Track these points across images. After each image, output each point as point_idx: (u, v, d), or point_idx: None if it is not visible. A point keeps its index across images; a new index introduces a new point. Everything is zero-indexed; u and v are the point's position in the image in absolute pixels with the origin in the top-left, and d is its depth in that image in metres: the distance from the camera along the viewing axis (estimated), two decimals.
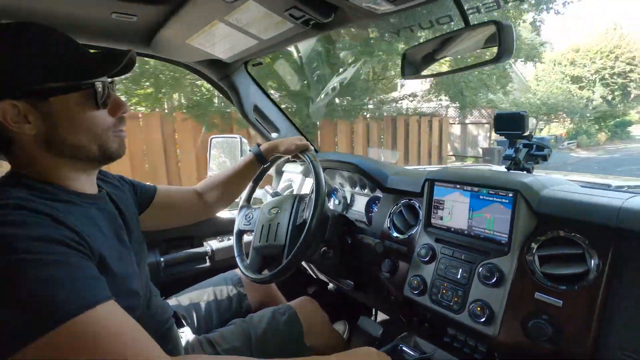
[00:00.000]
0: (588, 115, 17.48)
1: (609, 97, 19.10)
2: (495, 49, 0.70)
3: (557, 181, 0.89)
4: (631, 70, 18.90)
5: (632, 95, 19.41)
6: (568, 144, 16.40)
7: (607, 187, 1.06)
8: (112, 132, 0.65)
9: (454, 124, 12.06)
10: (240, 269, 1.13)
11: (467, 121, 11.98)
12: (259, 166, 1.11)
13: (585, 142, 16.64)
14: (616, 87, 18.95)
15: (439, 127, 9.18)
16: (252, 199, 1.26)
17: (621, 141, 18.32)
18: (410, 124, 8.27)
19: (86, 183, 0.67)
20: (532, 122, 16.16)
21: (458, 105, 9.84)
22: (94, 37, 1.05)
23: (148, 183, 0.97)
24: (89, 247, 0.55)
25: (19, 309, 0.45)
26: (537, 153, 1.00)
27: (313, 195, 0.99)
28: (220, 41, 1.03)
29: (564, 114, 16.70)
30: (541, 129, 17.93)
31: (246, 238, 1.26)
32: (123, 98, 0.72)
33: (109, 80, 0.64)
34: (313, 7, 0.79)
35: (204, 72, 1.37)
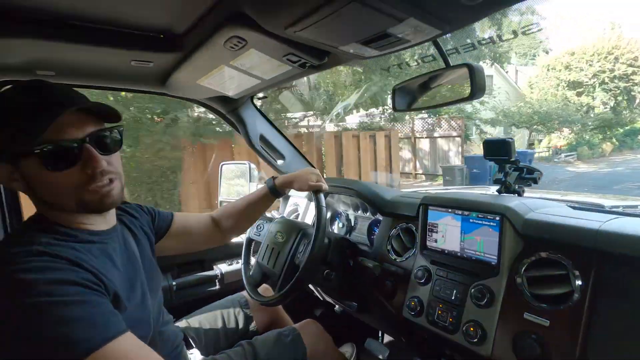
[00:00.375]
0: (590, 124, 16.08)
1: (612, 103, 16.99)
2: None
3: (545, 204, 0.93)
4: (634, 73, 16.53)
5: (637, 100, 17.20)
6: (566, 156, 14.96)
7: (600, 207, 1.09)
8: (84, 189, 0.63)
9: (422, 138, 11.02)
10: (246, 289, 1.20)
11: (435, 134, 10.82)
12: (273, 199, 1.14)
13: (587, 153, 15.21)
14: (618, 91, 16.77)
15: (387, 142, 8.29)
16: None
17: (631, 151, 16.45)
18: (346, 138, 7.26)
19: (102, 222, 0.71)
20: (524, 133, 15.34)
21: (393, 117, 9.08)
22: (115, 81, 1.17)
23: (164, 211, 1.03)
24: (105, 285, 0.60)
25: (41, 348, 0.50)
26: (527, 176, 1.04)
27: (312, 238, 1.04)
28: (227, 81, 1.14)
29: (561, 123, 15.32)
30: (540, 140, 17.15)
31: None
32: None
33: (82, 136, 0.62)
34: (308, 53, 0.88)
35: (214, 107, 1.48)
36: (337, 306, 1.58)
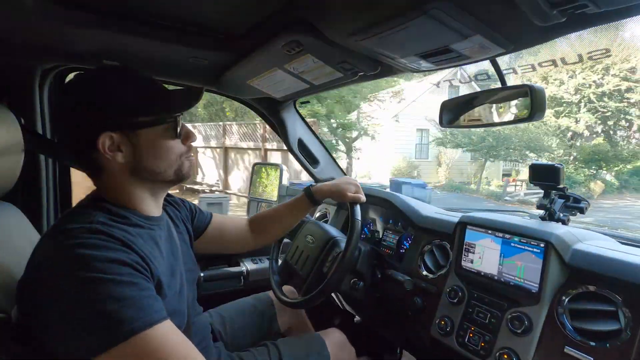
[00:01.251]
0: (576, 155, 12.40)
1: (600, 129, 12.43)
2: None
3: (593, 235, 0.90)
4: (630, 90, 10.86)
5: (634, 127, 12.21)
6: (526, 195, 11.18)
7: None
8: (185, 157, 0.74)
9: (273, 150, 8.66)
10: (272, 288, 1.21)
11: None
12: (310, 207, 1.12)
13: None
14: (609, 113, 11.64)
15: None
16: None
17: (629, 194, 12.29)
18: None
19: (154, 207, 0.75)
20: (469, 158, 13.88)
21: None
22: (172, 75, 1.24)
23: (204, 210, 1.06)
24: (150, 270, 0.63)
25: (90, 322, 0.52)
26: (574, 205, 1.01)
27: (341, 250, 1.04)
28: (276, 84, 1.17)
29: (522, 150, 12.21)
30: (509, 174, 13.83)
31: None
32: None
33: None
34: (363, 62, 0.89)
35: (258, 107, 1.53)
36: (357, 317, 1.57)
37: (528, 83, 0.74)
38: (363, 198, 1.08)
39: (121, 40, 0.97)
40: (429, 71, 0.86)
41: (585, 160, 12.34)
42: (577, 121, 12.32)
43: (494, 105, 0.83)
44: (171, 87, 0.78)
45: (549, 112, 11.96)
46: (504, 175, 14.33)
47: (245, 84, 1.21)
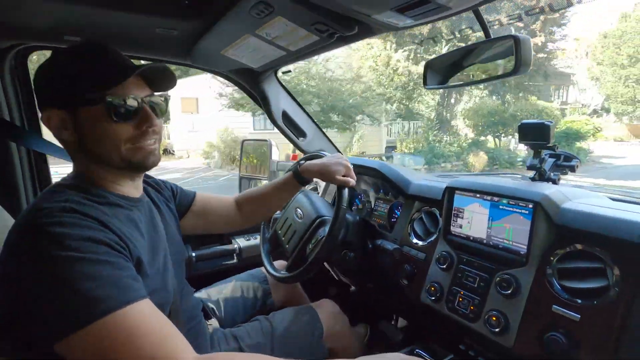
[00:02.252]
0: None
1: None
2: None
3: (584, 193, 0.87)
4: None
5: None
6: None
7: None
8: (132, 144, 0.67)
9: None
10: (263, 261, 1.20)
11: None
12: (299, 187, 1.08)
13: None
14: None
15: None
16: None
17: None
18: None
19: (131, 188, 0.73)
20: None
21: None
22: (141, 50, 1.16)
23: (187, 189, 1.03)
24: (129, 250, 0.61)
25: (64, 301, 0.50)
26: (565, 164, 0.98)
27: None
28: (252, 52, 1.11)
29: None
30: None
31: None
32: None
33: (142, 96, 0.67)
34: (337, 21, 0.83)
35: (237, 80, 1.46)
36: (352, 287, 1.58)
37: (513, 34, 0.68)
38: (352, 182, 1.01)
39: (81, 13, 0.91)
40: (408, 28, 0.79)
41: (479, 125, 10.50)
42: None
43: (480, 59, 0.78)
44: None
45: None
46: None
47: (219, 54, 1.15)
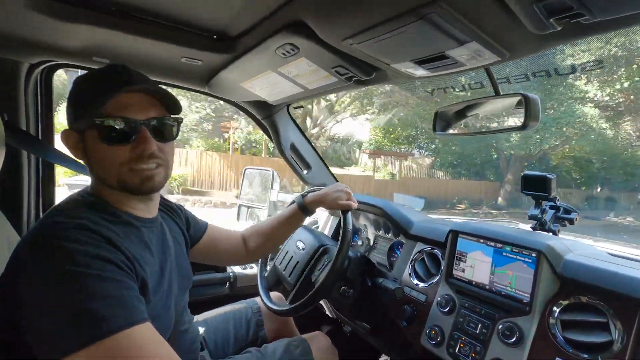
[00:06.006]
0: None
1: None
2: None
3: (584, 246, 0.90)
4: None
5: None
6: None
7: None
8: (128, 167, 0.65)
9: None
10: (260, 294, 1.18)
11: None
12: (303, 218, 1.10)
13: None
14: None
15: None
16: None
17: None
18: None
19: (144, 209, 0.72)
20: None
21: None
22: (162, 75, 1.21)
23: (200, 220, 1.02)
24: (135, 271, 0.61)
25: (70, 317, 0.50)
26: (564, 216, 1.01)
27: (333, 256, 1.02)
28: (270, 87, 1.16)
29: None
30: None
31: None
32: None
33: (141, 118, 0.65)
34: (357, 67, 0.89)
35: (250, 111, 1.51)
36: (345, 326, 1.54)
37: (522, 92, 0.74)
38: (355, 204, 1.06)
39: (112, 38, 0.95)
40: (423, 78, 0.85)
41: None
42: None
43: (487, 110, 0.83)
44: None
45: None
46: None
47: (238, 86, 1.20)
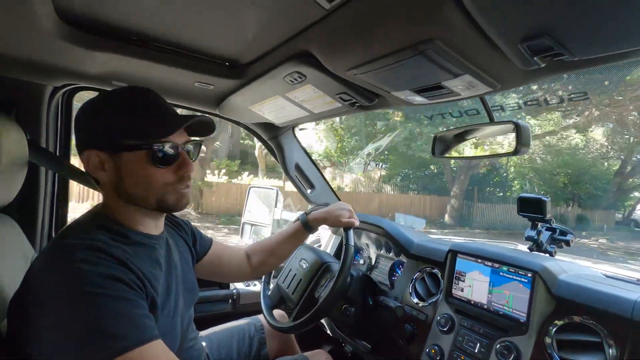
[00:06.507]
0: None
1: None
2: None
3: (580, 268, 0.92)
4: None
5: None
6: None
7: (636, 281, 1.06)
8: (171, 188, 0.69)
9: None
10: (263, 311, 1.20)
11: None
12: (307, 235, 1.14)
13: None
14: None
15: None
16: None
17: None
18: None
19: (153, 226, 0.75)
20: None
21: None
22: (175, 98, 1.29)
23: (206, 236, 1.05)
24: (146, 290, 0.63)
25: (85, 337, 0.52)
26: (560, 238, 1.04)
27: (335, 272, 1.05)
28: (277, 110, 1.23)
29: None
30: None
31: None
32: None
33: (181, 142, 0.70)
34: (360, 94, 0.95)
35: (257, 132, 1.57)
36: (346, 345, 1.54)
37: (515, 120, 0.79)
38: (357, 222, 1.10)
39: (131, 64, 1.01)
40: (422, 105, 0.91)
41: None
42: None
43: (482, 135, 0.88)
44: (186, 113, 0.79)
45: None
46: None
47: (247, 109, 1.26)
